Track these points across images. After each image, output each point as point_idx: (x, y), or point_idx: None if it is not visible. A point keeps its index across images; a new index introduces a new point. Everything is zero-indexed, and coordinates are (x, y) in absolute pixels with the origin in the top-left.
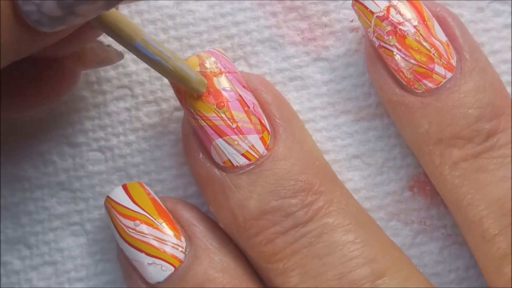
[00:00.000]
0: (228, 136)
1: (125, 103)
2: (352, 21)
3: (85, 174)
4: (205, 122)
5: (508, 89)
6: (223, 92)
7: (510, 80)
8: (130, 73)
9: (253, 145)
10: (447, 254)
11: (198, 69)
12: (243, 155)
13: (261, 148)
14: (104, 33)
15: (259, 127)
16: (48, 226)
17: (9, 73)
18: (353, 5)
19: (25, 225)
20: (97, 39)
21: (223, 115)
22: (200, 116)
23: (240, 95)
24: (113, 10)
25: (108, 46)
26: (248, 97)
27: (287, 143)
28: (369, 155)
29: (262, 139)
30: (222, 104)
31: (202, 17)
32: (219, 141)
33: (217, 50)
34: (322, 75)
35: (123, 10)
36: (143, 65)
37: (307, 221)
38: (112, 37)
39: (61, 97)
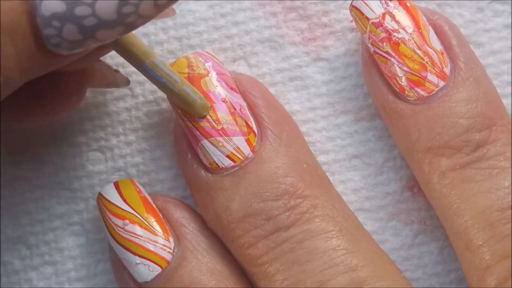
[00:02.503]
0: (213, 138)
1: (125, 103)
2: (352, 21)
3: (85, 174)
4: (192, 124)
5: (508, 90)
6: (210, 94)
7: (510, 80)
8: (130, 73)
9: (238, 147)
10: (447, 254)
11: (186, 70)
12: (228, 156)
13: (246, 150)
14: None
15: (245, 129)
16: (48, 226)
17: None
18: (350, 10)
19: (25, 225)
20: (107, 63)
21: (208, 117)
22: (187, 118)
23: (227, 97)
24: None
25: (116, 71)
26: (235, 99)
27: (274, 145)
28: (369, 155)
29: (247, 141)
30: (208, 106)
31: (202, 17)
32: (205, 143)
33: (206, 52)
34: (322, 75)
35: None
36: None
37: (289, 225)
38: (122, 57)
39: (64, 112)
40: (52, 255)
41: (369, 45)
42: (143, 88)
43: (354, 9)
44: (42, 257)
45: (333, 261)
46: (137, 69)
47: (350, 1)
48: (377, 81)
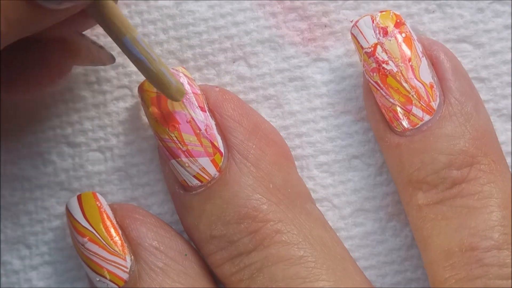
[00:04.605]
0: (179, 158)
1: (125, 103)
2: (352, 21)
3: (85, 174)
4: (161, 143)
5: (508, 90)
6: (175, 115)
7: (510, 81)
8: (130, 73)
9: (203, 168)
10: None
11: (155, 89)
12: (194, 177)
13: (212, 170)
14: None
15: (210, 150)
16: (48, 226)
17: None
18: (351, 36)
19: (24, 225)
20: (91, 39)
21: (174, 138)
22: (157, 137)
23: (192, 117)
24: (112, 3)
25: (101, 47)
26: (201, 119)
27: (239, 166)
28: (369, 155)
29: (213, 161)
30: (174, 127)
31: (202, 17)
32: (173, 162)
33: (175, 70)
34: (322, 75)
35: (123, 11)
36: None
37: (251, 250)
38: (103, 29)
39: (47, 87)
40: (52, 255)
41: (365, 73)
42: None
43: (353, 36)
44: (42, 257)
45: None
46: (116, 43)
47: (350, 2)
48: (373, 108)
